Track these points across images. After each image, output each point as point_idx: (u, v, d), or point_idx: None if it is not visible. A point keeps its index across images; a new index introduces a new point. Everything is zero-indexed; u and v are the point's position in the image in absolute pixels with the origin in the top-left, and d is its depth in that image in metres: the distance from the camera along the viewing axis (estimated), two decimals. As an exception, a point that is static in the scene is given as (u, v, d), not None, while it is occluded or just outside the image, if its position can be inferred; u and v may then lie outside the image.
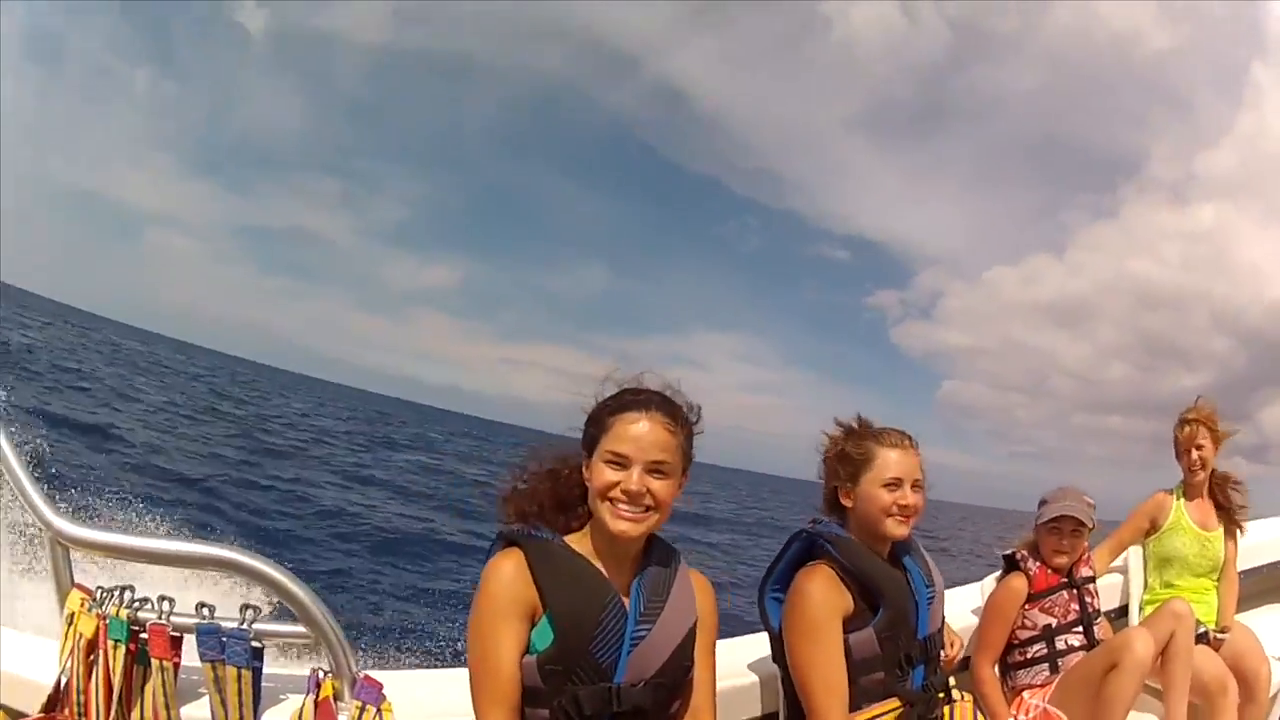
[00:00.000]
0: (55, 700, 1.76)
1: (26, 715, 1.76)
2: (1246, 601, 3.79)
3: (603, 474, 1.52)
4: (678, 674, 1.60)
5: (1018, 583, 2.66)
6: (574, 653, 1.50)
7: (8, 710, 1.83)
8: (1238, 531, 3.24)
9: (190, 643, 1.67)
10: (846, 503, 1.99)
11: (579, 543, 1.59)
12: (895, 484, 1.93)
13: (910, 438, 2.01)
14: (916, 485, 1.96)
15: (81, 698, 1.72)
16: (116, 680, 1.68)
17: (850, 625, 1.89)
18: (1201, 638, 2.88)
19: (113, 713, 1.69)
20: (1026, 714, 2.54)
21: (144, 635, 1.67)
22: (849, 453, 2.00)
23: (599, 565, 1.56)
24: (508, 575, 1.51)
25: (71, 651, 1.73)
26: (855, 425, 2.06)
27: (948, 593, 2.53)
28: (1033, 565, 2.70)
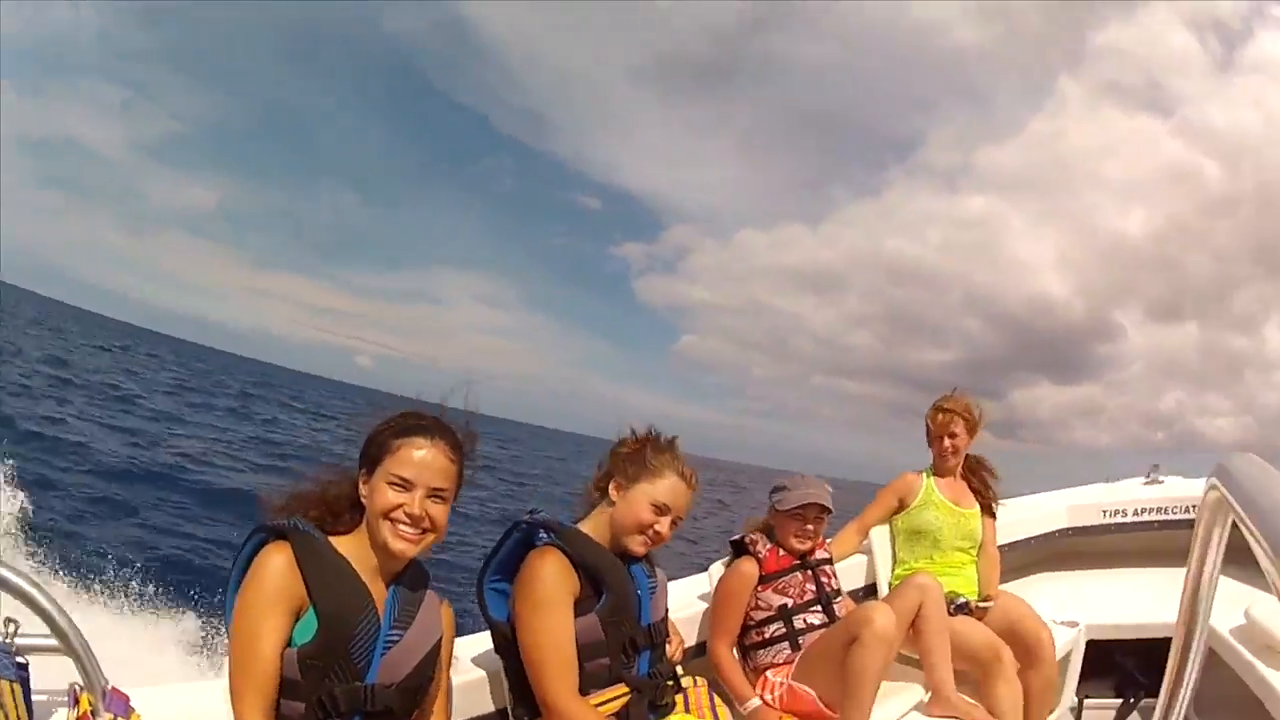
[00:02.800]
0: None
1: None
2: (1016, 573, 4.05)
3: (385, 495, 1.61)
4: (423, 680, 1.71)
5: (748, 566, 2.63)
6: (334, 649, 1.57)
7: None
8: (993, 509, 3.34)
9: None
10: (614, 495, 2.06)
11: (343, 545, 1.66)
12: (663, 510, 2.02)
13: (696, 479, 2.09)
14: (676, 522, 2.05)
15: None
16: None
17: (576, 610, 1.94)
18: (963, 608, 2.97)
19: None
20: (771, 692, 2.54)
21: None
22: (646, 457, 2.07)
23: (359, 570, 1.64)
24: (278, 567, 1.56)
25: None
26: (663, 439, 2.14)
27: (679, 581, 2.71)
28: (763, 548, 2.67)
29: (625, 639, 2.00)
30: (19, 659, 1.66)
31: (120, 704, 1.69)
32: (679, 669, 2.23)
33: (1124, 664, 3.57)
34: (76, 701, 1.69)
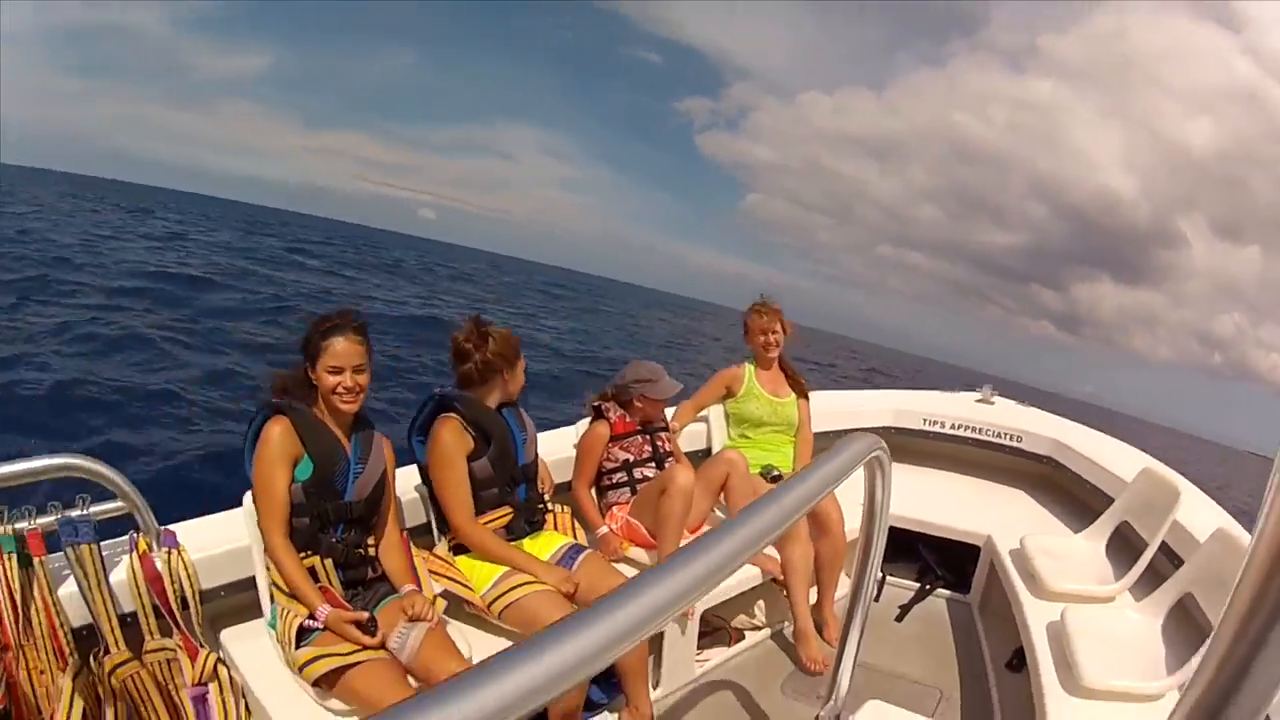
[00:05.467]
0: None
1: None
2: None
3: (327, 379, 2.36)
4: (379, 494, 2.49)
5: (601, 429, 3.37)
6: (323, 480, 2.35)
7: None
8: (806, 392, 3.93)
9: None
10: (508, 376, 2.87)
11: (317, 413, 2.42)
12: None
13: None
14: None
15: None
16: (16, 587, 2.12)
17: (472, 457, 2.72)
18: (776, 479, 3.62)
19: (19, 616, 2.12)
20: (615, 523, 3.28)
21: (22, 542, 2.13)
22: (501, 352, 2.84)
23: (332, 427, 2.42)
24: (280, 433, 2.32)
25: None
26: (503, 335, 2.87)
27: (554, 431, 3.56)
28: (613, 414, 3.39)
29: (507, 475, 2.79)
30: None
31: (170, 539, 2.42)
32: (548, 498, 3.05)
33: (926, 555, 4.15)
34: (135, 546, 2.39)
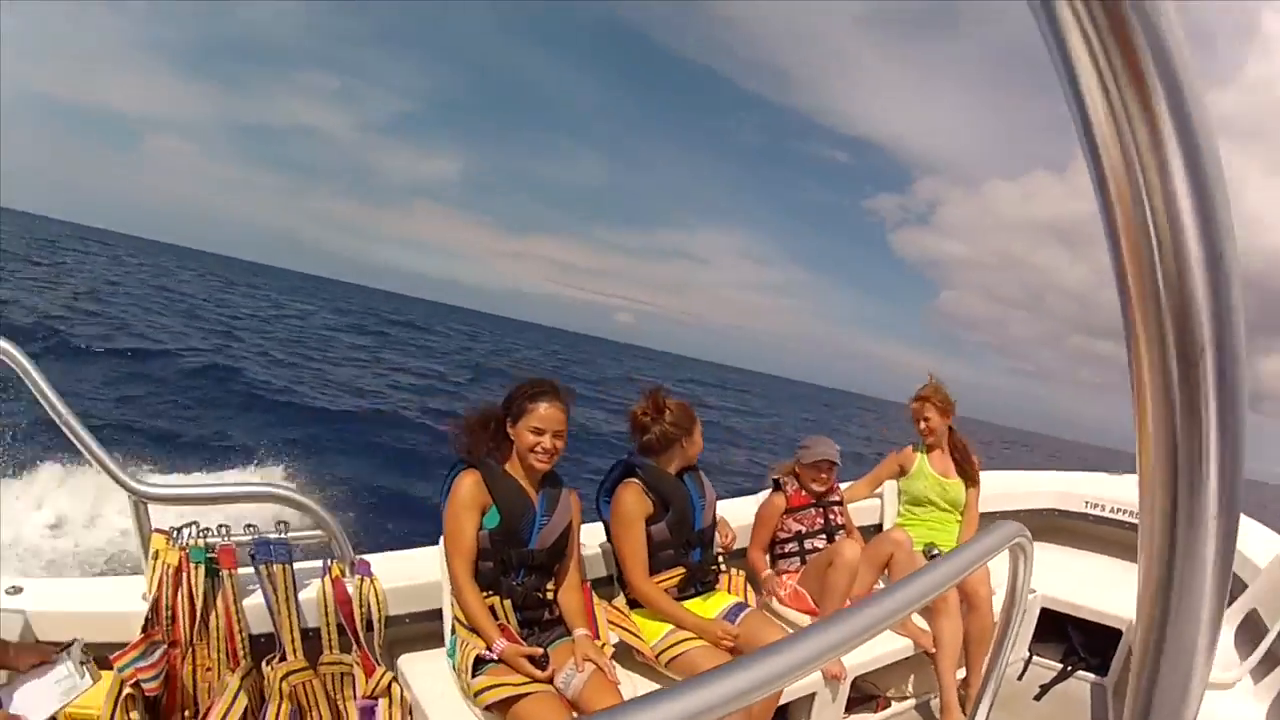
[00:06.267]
0: (151, 620, 2.27)
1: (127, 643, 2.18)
2: None
3: (527, 438, 2.49)
4: (562, 545, 2.60)
5: (778, 500, 3.55)
6: (509, 529, 2.47)
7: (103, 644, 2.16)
8: (976, 480, 3.93)
9: (240, 553, 2.35)
10: (686, 444, 2.98)
11: (508, 467, 2.55)
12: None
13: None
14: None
15: (169, 612, 2.28)
16: (199, 593, 2.29)
17: (651, 520, 2.85)
18: (932, 558, 3.52)
19: (196, 618, 2.28)
20: (784, 589, 3.40)
21: (211, 556, 2.33)
22: (678, 422, 2.95)
23: (521, 482, 2.54)
24: (470, 484, 2.47)
25: (160, 580, 2.27)
26: (679, 405, 2.99)
27: (737, 500, 3.61)
28: (790, 488, 3.56)
29: (683, 539, 2.87)
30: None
31: (364, 568, 2.49)
32: (722, 560, 3.08)
33: (1073, 636, 4.10)
34: (329, 570, 2.48)
